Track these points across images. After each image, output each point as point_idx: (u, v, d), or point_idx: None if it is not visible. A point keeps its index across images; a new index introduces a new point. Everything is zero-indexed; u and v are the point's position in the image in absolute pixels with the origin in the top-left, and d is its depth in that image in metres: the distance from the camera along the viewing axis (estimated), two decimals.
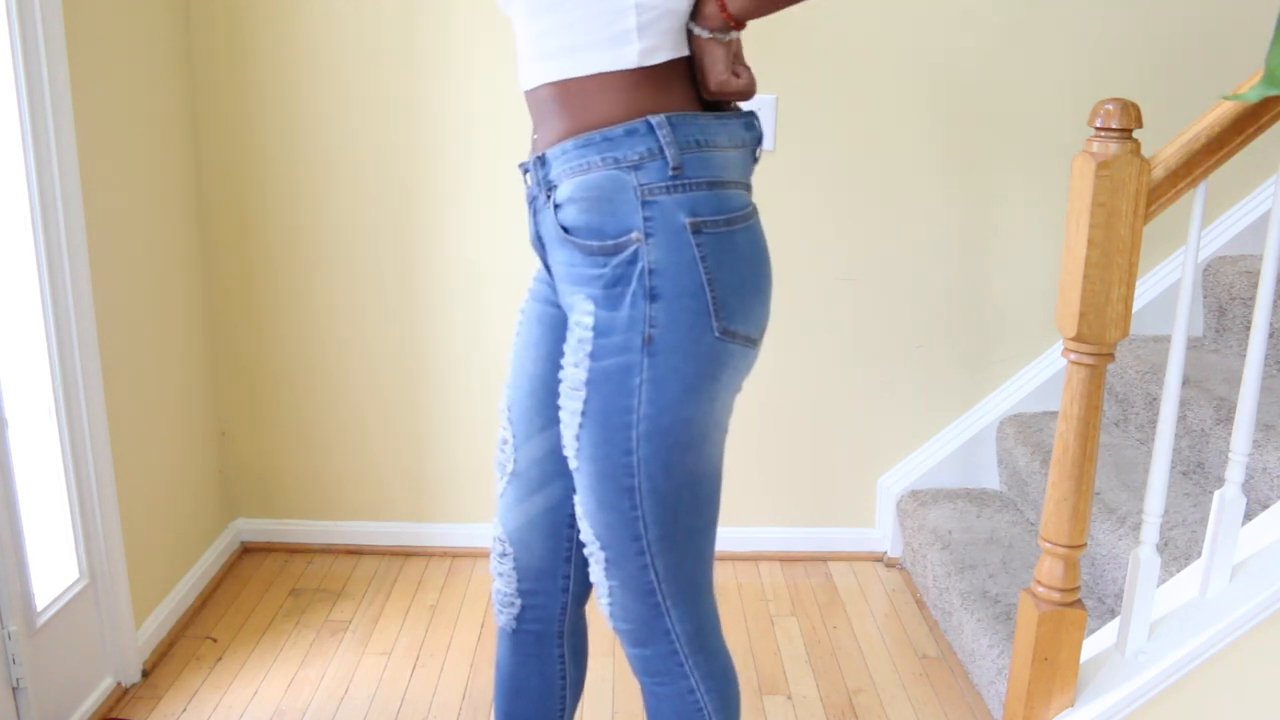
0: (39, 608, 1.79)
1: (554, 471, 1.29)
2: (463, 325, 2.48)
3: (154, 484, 2.18)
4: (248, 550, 2.61)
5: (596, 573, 1.23)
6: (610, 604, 1.24)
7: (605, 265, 1.10)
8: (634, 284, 1.09)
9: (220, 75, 2.34)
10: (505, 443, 1.32)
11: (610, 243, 1.10)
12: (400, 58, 2.33)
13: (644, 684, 1.30)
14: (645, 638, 1.25)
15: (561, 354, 1.25)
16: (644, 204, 1.09)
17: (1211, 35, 2.36)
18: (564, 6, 1.09)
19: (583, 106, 1.10)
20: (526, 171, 1.19)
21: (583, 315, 1.13)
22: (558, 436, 1.28)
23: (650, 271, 1.09)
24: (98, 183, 1.92)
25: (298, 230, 2.43)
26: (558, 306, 1.27)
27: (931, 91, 2.37)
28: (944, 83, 2.37)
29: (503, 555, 1.34)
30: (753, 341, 1.16)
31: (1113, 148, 1.36)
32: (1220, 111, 1.40)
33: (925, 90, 2.37)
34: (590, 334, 1.12)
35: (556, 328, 1.27)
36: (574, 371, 1.14)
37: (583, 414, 1.14)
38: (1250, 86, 1.33)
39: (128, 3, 2.04)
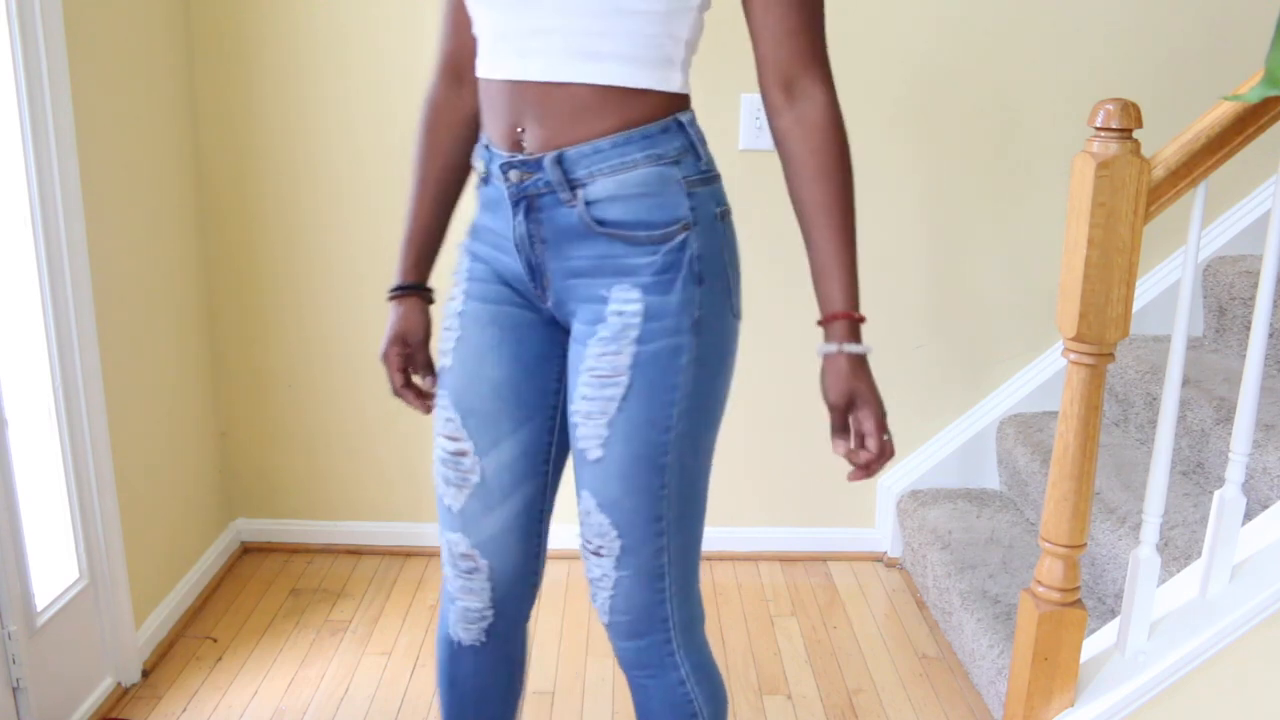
0: (39, 608, 1.79)
1: (525, 472, 1.28)
2: None
3: (154, 484, 2.18)
4: (248, 550, 2.61)
5: (602, 566, 1.23)
6: (613, 596, 1.24)
7: (655, 253, 1.15)
8: (684, 270, 1.15)
9: (220, 75, 2.34)
10: (461, 455, 1.26)
11: (659, 232, 1.15)
12: (401, 58, 2.33)
13: (633, 677, 1.30)
14: (644, 628, 1.25)
15: (530, 354, 1.25)
16: (688, 195, 1.16)
17: (1211, 35, 2.36)
18: (612, 15, 1.09)
19: (619, 108, 1.13)
20: (511, 169, 1.16)
21: (624, 304, 1.16)
22: (529, 437, 1.27)
23: (698, 258, 1.16)
24: (98, 183, 1.92)
25: (298, 229, 2.43)
26: (523, 307, 1.25)
27: (931, 90, 2.37)
28: (944, 82, 2.37)
29: (473, 571, 1.30)
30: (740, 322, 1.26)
31: (1113, 148, 1.37)
32: (1220, 111, 1.40)
33: (925, 89, 2.37)
34: (638, 319, 1.15)
35: (522, 328, 1.25)
36: (614, 359, 1.16)
37: (623, 399, 1.16)
38: (1250, 87, 1.33)
39: (128, 2, 2.04)
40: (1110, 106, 1.36)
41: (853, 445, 1.16)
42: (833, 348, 1.14)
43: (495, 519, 1.28)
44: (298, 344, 2.50)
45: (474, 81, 1.30)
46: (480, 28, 1.17)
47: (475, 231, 1.27)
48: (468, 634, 1.34)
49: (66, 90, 1.79)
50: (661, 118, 1.14)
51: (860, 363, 1.14)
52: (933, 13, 2.33)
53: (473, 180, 1.29)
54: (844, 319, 1.14)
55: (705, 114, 2.37)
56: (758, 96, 2.35)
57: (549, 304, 1.23)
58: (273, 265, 2.45)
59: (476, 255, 1.27)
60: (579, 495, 1.23)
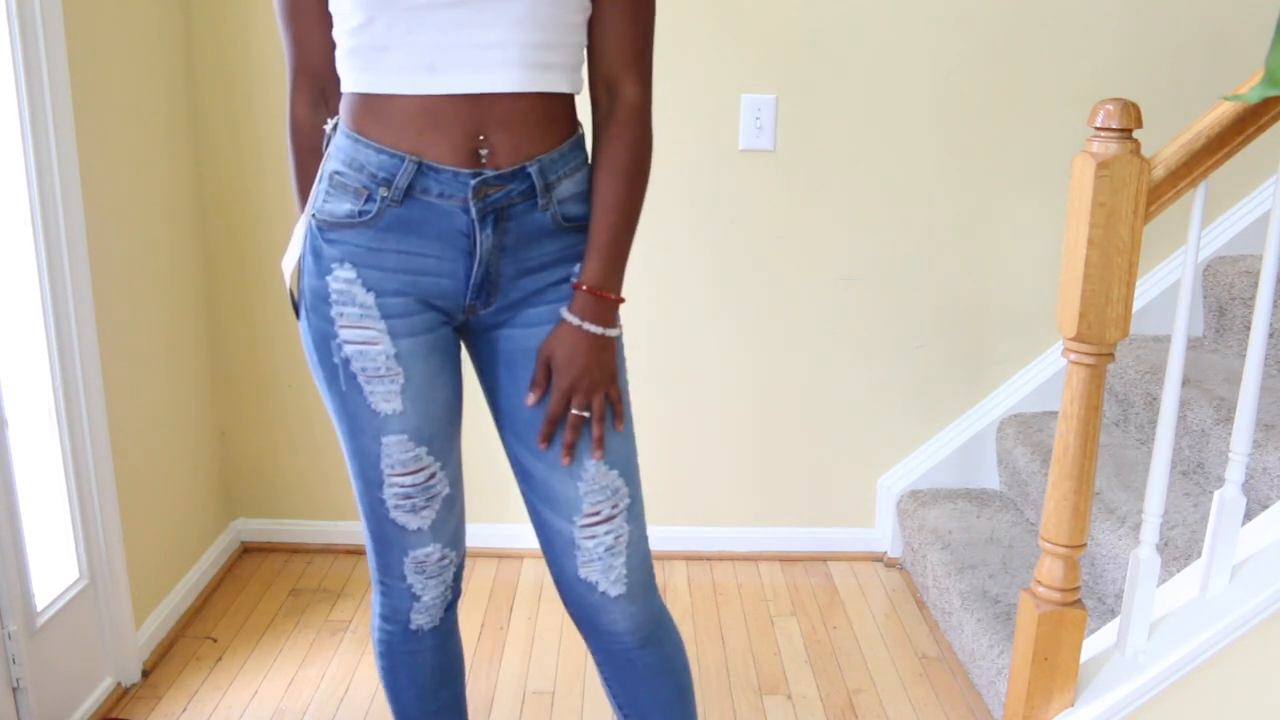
0: (39, 608, 1.79)
1: (460, 461, 1.35)
2: None
3: (154, 484, 2.18)
4: (248, 550, 2.61)
5: (616, 528, 1.28)
6: (629, 558, 1.29)
7: (584, 236, 1.26)
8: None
9: (220, 75, 2.34)
10: (432, 477, 1.29)
11: (586, 220, 1.27)
12: None
13: (641, 644, 1.33)
14: (650, 579, 1.32)
15: (457, 363, 1.30)
16: None
17: (1211, 35, 2.36)
18: (557, 27, 1.17)
19: (568, 114, 1.23)
20: (486, 183, 1.17)
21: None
22: (459, 431, 1.34)
23: None
24: (98, 182, 1.92)
25: None
26: (446, 323, 1.26)
27: (931, 91, 2.37)
28: (944, 82, 2.37)
29: (446, 567, 1.35)
30: None
31: (1113, 148, 1.37)
32: (1220, 111, 1.40)
33: (925, 90, 2.37)
34: None
35: (450, 344, 1.29)
36: None
37: None
38: (1250, 87, 1.33)
39: (128, 2, 2.04)
40: (1110, 106, 1.36)
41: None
42: (564, 311, 1.24)
43: (456, 513, 1.35)
44: (298, 344, 2.50)
45: (336, 101, 1.27)
46: (390, 41, 1.13)
47: (362, 258, 1.20)
48: (431, 618, 1.38)
49: (66, 90, 1.79)
50: (577, 120, 1.25)
51: (578, 334, 1.22)
52: (931, 14, 2.33)
53: (339, 205, 1.20)
54: (578, 289, 1.23)
55: (705, 114, 2.38)
56: (758, 97, 2.35)
57: (489, 309, 1.25)
58: (273, 265, 2.45)
59: (382, 289, 1.20)
60: (580, 470, 1.25)
